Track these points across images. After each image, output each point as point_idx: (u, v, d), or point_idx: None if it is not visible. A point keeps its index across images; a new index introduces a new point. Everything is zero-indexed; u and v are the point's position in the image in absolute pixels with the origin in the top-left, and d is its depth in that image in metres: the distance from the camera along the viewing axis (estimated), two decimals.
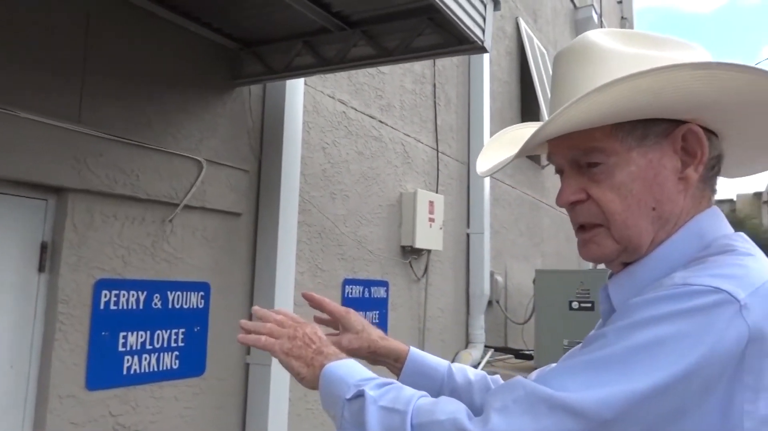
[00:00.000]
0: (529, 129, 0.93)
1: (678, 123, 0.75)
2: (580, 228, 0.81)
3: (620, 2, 14.06)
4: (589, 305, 4.81)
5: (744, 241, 0.76)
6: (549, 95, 0.84)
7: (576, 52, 0.79)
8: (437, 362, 1.06)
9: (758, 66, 0.68)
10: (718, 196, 0.83)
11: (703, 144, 0.75)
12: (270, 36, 2.77)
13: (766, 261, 0.72)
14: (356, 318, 1.05)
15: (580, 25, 9.28)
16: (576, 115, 0.71)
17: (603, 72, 0.74)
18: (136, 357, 2.40)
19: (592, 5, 9.65)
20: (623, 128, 0.75)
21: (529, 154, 0.94)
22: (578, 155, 0.79)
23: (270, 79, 2.92)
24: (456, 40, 2.34)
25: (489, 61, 5.61)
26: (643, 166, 0.75)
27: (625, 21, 14.15)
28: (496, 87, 6.08)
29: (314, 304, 1.06)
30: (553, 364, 0.76)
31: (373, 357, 1.03)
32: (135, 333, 2.41)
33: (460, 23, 2.09)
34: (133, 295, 2.40)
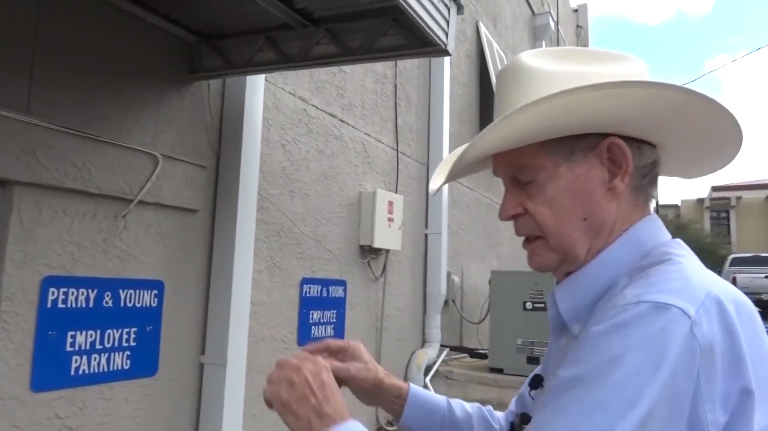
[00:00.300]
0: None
1: (604, 136, 0.78)
2: (525, 239, 0.85)
3: (576, 11, 14.44)
4: (543, 305, 4.92)
5: (680, 247, 0.80)
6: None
7: (507, 74, 0.83)
8: (437, 397, 1.08)
9: (666, 81, 0.71)
10: (663, 201, 0.86)
11: (627, 155, 0.78)
12: (231, 30, 2.72)
13: (700, 266, 0.76)
14: (364, 350, 1.03)
15: (537, 31, 9.48)
16: (494, 137, 0.76)
17: (529, 93, 0.77)
18: (84, 357, 2.32)
19: (549, 13, 9.88)
20: (551, 145, 0.79)
21: (472, 172, 0.98)
22: (513, 172, 0.83)
23: (230, 74, 2.87)
24: (419, 42, 2.36)
25: (450, 64, 5.67)
26: (571, 180, 0.78)
27: (580, 29, 14.54)
28: (456, 89, 6.14)
29: (319, 351, 0.99)
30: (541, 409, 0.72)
31: (376, 391, 1.01)
32: (84, 332, 2.32)
33: (423, 25, 2.10)
34: (82, 293, 2.32)
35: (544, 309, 4.92)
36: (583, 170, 0.79)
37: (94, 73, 2.36)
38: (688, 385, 0.63)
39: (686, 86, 0.71)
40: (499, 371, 5.02)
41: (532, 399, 0.91)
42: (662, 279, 0.70)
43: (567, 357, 0.71)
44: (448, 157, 1.00)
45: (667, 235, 0.82)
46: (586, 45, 14.96)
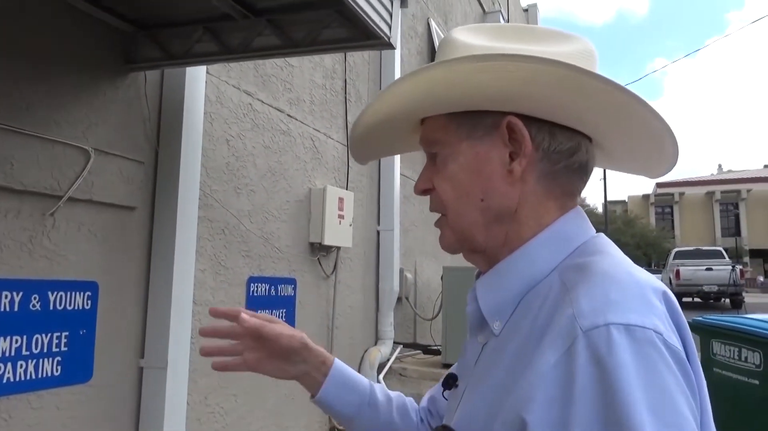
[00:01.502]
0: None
1: (507, 115, 0.75)
2: (437, 221, 0.84)
3: (526, 10, 14.69)
4: None
5: (605, 240, 0.78)
6: None
7: (439, 46, 0.83)
8: (359, 376, 1.05)
9: (544, 57, 0.69)
10: (611, 197, 0.84)
11: (524, 136, 0.74)
12: (168, 19, 2.60)
13: (626, 260, 0.74)
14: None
15: None
16: (376, 107, 0.79)
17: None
18: (9, 365, 2.18)
19: (500, 11, 10.00)
20: (456, 120, 0.78)
21: (409, 149, 0.96)
22: (425, 146, 0.83)
23: (168, 65, 2.76)
24: (363, 35, 2.31)
25: (400, 60, 5.65)
26: (471, 158, 0.77)
27: None
28: None
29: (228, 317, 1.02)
30: None
31: (304, 351, 1.02)
32: (8, 338, 2.18)
33: (366, 18, 2.06)
34: (6, 296, 2.17)
35: None
36: (484, 149, 0.77)
37: (18, 62, 2.22)
38: (695, 404, 0.62)
39: (564, 61, 0.69)
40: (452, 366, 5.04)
41: (446, 399, 0.88)
42: (608, 283, 0.66)
43: (532, 401, 0.62)
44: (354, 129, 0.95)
45: (593, 230, 0.79)
46: None
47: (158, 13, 2.58)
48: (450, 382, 0.85)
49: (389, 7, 2.17)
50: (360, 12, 2.01)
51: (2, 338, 2.16)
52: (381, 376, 4.98)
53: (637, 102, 0.70)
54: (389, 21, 2.17)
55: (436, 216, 0.83)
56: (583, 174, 0.79)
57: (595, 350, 0.60)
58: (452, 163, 0.78)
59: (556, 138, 0.76)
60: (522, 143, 0.74)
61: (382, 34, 2.15)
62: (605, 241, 0.77)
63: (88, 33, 2.51)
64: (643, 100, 0.70)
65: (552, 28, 0.82)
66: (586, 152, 0.78)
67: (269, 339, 0.98)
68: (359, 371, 4.90)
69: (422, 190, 0.84)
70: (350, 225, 4.46)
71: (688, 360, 0.64)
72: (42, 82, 2.30)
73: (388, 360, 5.16)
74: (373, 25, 2.10)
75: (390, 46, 2.24)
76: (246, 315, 0.97)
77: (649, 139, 0.76)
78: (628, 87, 0.69)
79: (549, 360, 0.63)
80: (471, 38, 0.78)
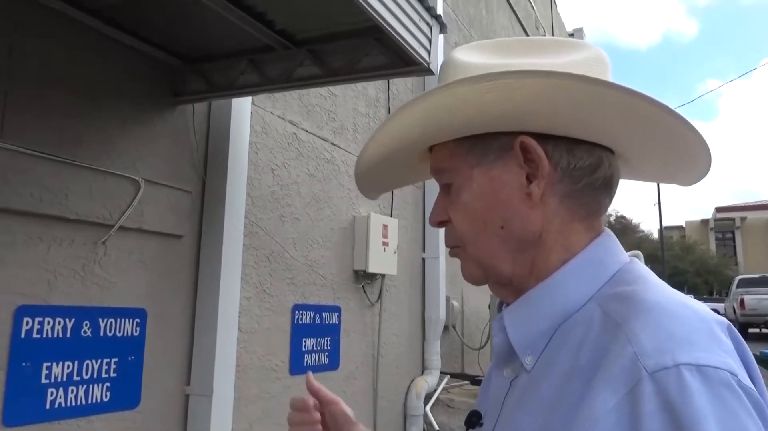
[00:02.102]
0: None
1: (517, 135, 0.70)
2: (451, 250, 0.79)
3: (572, 35, 14.57)
4: None
5: (644, 271, 0.71)
6: None
7: (440, 70, 0.78)
8: None
9: (549, 70, 0.65)
10: (668, 222, 0.77)
11: (539, 156, 0.69)
12: (213, 53, 2.69)
13: (671, 289, 0.68)
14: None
15: None
16: (378, 141, 0.77)
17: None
18: (61, 390, 2.24)
19: (544, 36, 9.95)
20: (464, 145, 0.74)
21: (417, 180, 0.93)
22: (435, 176, 0.79)
23: (214, 97, 2.84)
24: (402, 62, 2.32)
25: None
26: (485, 184, 0.72)
27: None
28: None
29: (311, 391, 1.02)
30: None
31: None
32: (61, 363, 2.24)
33: (404, 44, 2.07)
34: (59, 323, 2.24)
35: None
36: (498, 173, 0.71)
37: (72, 97, 2.33)
38: None
39: (568, 72, 0.64)
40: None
41: None
42: (667, 317, 0.60)
43: None
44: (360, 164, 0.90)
45: (626, 256, 0.73)
46: None
47: (203, 47, 2.67)
48: (473, 420, 0.77)
49: (428, 33, 2.17)
50: (398, 39, 2.02)
51: (55, 363, 2.22)
52: (428, 407, 4.86)
53: (655, 106, 0.64)
54: (428, 47, 2.18)
55: None
56: (608, 189, 0.73)
57: (666, 395, 0.54)
58: (465, 191, 0.73)
59: (575, 154, 0.71)
60: (539, 164, 0.69)
61: (422, 60, 2.15)
62: (642, 267, 0.71)
63: (138, 67, 2.62)
64: (662, 104, 0.64)
65: (560, 38, 0.78)
66: (609, 166, 0.73)
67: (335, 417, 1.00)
68: (405, 401, 4.80)
69: (437, 222, 0.78)
70: (395, 252, 4.43)
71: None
72: (94, 116, 2.41)
73: (435, 390, 5.04)
74: (412, 51, 2.10)
75: (429, 72, 2.24)
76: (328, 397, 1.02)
77: (674, 144, 0.70)
78: (644, 92, 0.63)
79: (606, 403, 0.57)
80: (473, 57, 0.74)
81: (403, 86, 5.09)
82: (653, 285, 0.65)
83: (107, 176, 2.42)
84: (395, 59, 2.32)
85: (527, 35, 9.40)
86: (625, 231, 35.91)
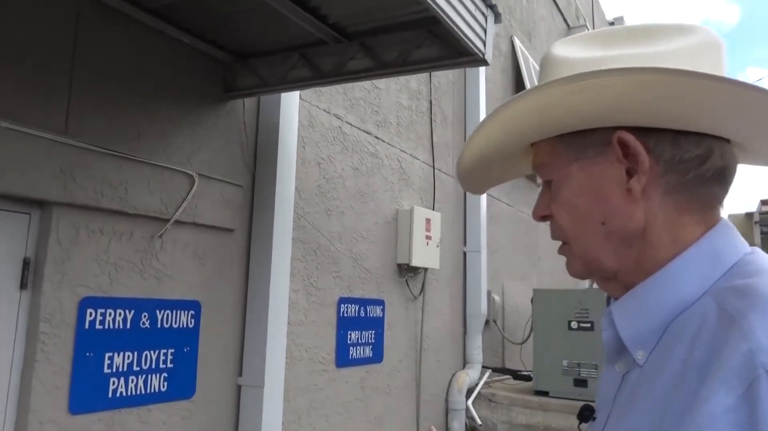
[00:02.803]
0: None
1: (615, 129, 0.69)
2: (561, 247, 0.79)
3: (612, 23, 14.23)
4: (589, 325, 4.73)
5: (765, 258, 0.68)
6: None
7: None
8: None
9: (641, 66, 0.63)
10: None
11: (638, 151, 0.67)
12: (264, 48, 2.71)
13: None
14: None
15: None
16: (475, 144, 0.78)
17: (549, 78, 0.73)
18: (122, 379, 2.30)
19: (585, 25, 9.73)
20: (563, 141, 0.73)
21: (517, 175, 0.92)
22: (537, 172, 0.79)
23: (264, 92, 2.86)
24: (456, 53, 2.29)
25: (485, 79, 5.60)
26: (584, 180, 0.71)
27: None
28: (492, 104, 6.05)
29: None
30: None
31: None
32: (121, 353, 2.30)
33: (461, 35, 2.04)
34: (119, 314, 2.30)
35: (590, 329, 4.72)
36: (597, 168, 0.70)
37: (130, 93, 2.38)
38: None
39: (656, 66, 0.62)
40: (545, 394, 4.82)
41: None
42: None
43: None
44: (464, 164, 0.90)
45: (746, 245, 0.70)
46: None
47: (255, 43, 2.69)
48: (586, 414, 0.77)
49: (483, 23, 2.14)
50: (455, 29, 1.99)
51: (116, 354, 2.28)
52: (470, 401, 4.84)
53: (758, 92, 0.61)
54: (483, 37, 2.14)
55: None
56: (722, 181, 0.70)
57: None
58: (565, 187, 0.73)
59: (681, 146, 0.68)
60: (638, 158, 0.67)
61: (477, 51, 2.12)
62: (764, 259, 0.68)
63: (191, 64, 2.66)
64: (756, 87, 0.60)
65: (671, 23, 0.74)
66: (722, 157, 0.69)
67: None
68: (447, 395, 4.79)
69: (540, 216, 0.79)
70: (437, 246, 4.41)
71: None
72: (149, 111, 2.45)
73: (477, 384, 5.01)
74: (467, 41, 2.08)
75: (485, 62, 2.21)
76: None
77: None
78: (746, 81, 0.61)
79: (722, 402, 0.55)
80: (572, 51, 0.73)
81: (444, 78, 5.04)
82: None
83: (163, 171, 2.46)
84: (449, 50, 2.29)
85: (568, 25, 9.22)
86: None
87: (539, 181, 0.80)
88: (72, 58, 2.17)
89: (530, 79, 6.66)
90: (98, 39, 2.27)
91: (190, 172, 2.58)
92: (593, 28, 10.42)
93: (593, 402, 0.80)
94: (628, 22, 14.87)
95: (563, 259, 0.79)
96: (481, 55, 2.15)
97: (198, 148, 2.66)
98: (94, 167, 2.19)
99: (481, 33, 2.14)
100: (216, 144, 2.76)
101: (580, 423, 0.78)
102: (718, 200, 0.71)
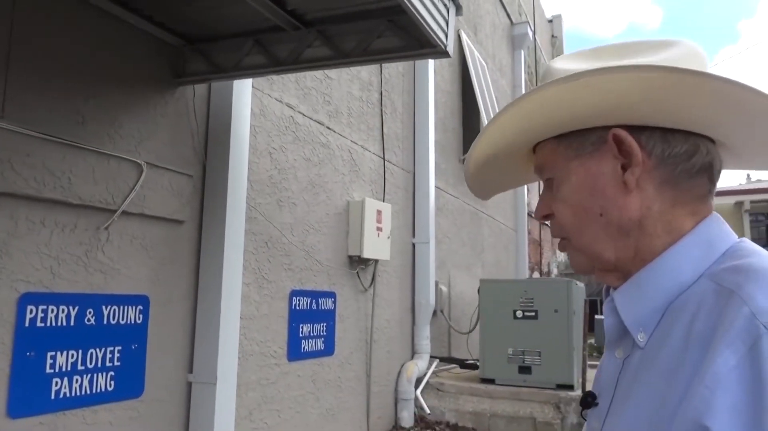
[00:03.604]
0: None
1: (610, 128, 0.74)
2: (560, 242, 0.83)
3: (551, 21, 14.65)
4: (533, 314, 4.87)
5: (755, 247, 0.73)
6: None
7: (541, 79, 0.82)
8: None
9: (634, 63, 0.68)
10: None
11: (632, 146, 0.72)
12: (217, 33, 2.61)
13: None
14: None
15: (516, 40, 9.55)
16: (482, 146, 0.81)
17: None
18: (66, 380, 2.17)
19: (527, 22, 9.97)
20: (562, 142, 0.78)
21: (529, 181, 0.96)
22: (539, 173, 0.83)
23: (216, 79, 2.76)
24: (417, 44, 2.28)
25: (434, 71, 5.63)
26: (583, 176, 0.76)
27: (555, 39, 14.74)
28: (439, 97, 6.10)
29: None
30: None
31: None
32: (65, 352, 2.17)
33: (425, 26, 2.03)
34: (63, 310, 2.17)
35: (534, 317, 4.87)
36: (594, 164, 0.75)
37: (74, 77, 2.23)
38: None
39: (654, 64, 0.67)
40: (491, 382, 4.94)
41: (584, 419, 0.82)
42: None
43: (710, 408, 0.59)
44: (471, 166, 0.93)
45: (735, 236, 0.75)
46: (561, 53, 15.16)
47: (207, 27, 2.58)
48: (589, 401, 0.79)
49: (446, 14, 2.14)
50: (420, 20, 1.98)
51: (59, 352, 2.15)
52: (419, 391, 4.89)
53: (747, 91, 0.65)
54: (446, 29, 2.14)
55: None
56: (708, 175, 0.75)
57: None
58: (565, 183, 0.78)
59: (670, 143, 0.73)
60: (632, 153, 0.73)
61: (439, 42, 2.11)
62: (753, 245, 0.73)
63: (138, 47, 2.53)
64: (754, 89, 0.65)
65: (654, 39, 0.79)
66: (707, 153, 0.75)
67: None
68: (396, 385, 4.83)
69: (543, 215, 0.82)
70: (388, 237, 4.42)
71: None
72: (95, 96, 2.31)
73: (425, 374, 5.07)
74: (431, 32, 2.07)
75: (446, 54, 2.21)
76: None
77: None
78: (736, 79, 0.65)
79: (728, 362, 0.59)
80: (571, 64, 0.78)
81: (395, 70, 5.04)
82: (765, 256, 0.68)
83: (110, 159, 2.33)
84: (409, 41, 2.28)
85: (511, 21, 9.40)
86: None
87: (529, 209, 0.84)
88: (9, 38, 2.01)
89: (476, 72, 6.76)
90: (37, 19, 2.11)
91: (138, 161, 2.45)
92: (534, 24, 10.68)
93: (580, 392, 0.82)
94: (565, 20, 15.34)
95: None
96: (443, 47, 2.15)
97: (146, 135, 2.53)
98: (35, 155, 2.04)
99: (444, 25, 2.14)
100: (165, 132, 2.64)
101: (584, 409, 0.80)
102: (708, 193, 0.76)
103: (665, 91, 0.67)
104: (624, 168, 0.73)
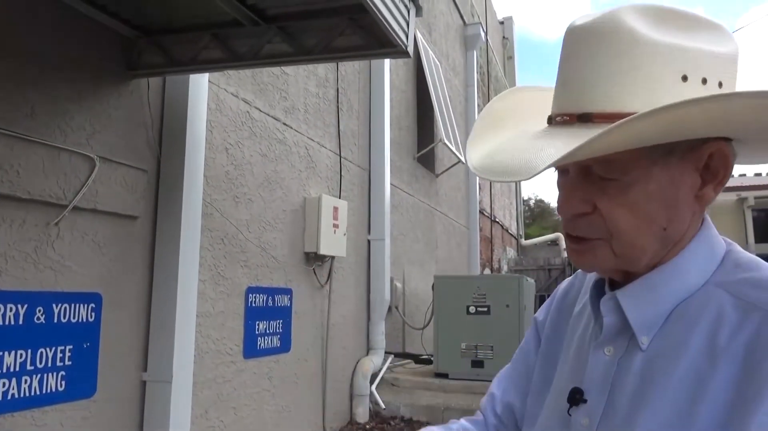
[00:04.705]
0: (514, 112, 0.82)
1: (705, 139, 0.68)
2: (577, 238, 0.73)
3: (502, 23, 14.96)
4: (485, 309, 4.99)
5: (752, 254, 0.74)
6: (563, 76, 0.72)
7: (599, 33, 0.68)
8: None
9: None
10: None
11: (729, 164, 0.69)
12: (174, 25, 2.56)
13: None
14: None
15: (469, 41, 9.71)
16: (614, 140, 0.63)
17: (631, 66, 0.66)
18: (14, 380, 2.09)
19: (480, 23, 10.15)
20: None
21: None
22: (592, 163, 0.69)
23: (172, 72, 2.71)
24: (377, 43, 2.31)
25: (389, 70, 5.67)
26: (664, 184, 0.68)
27: (506, 40, 15.05)
28: (395, 95, 6.16)
29: None
30: None
31: None
32: (13, 352, 2.10)
33: (386, 25, 2.06)
34: (10, 309, 2.09)
35: (487, 313, 4.99)
36: (677, 174, 0.68)
37: (22, 67, 2.15)
38: None
39: None
40: (444, 376, 5.03)
41: (570, 415, 0.76)
42: None
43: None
44: (514, 160, 0.76)
45: (720, 237, 0.76)
46: (511, 56, 15.50)
47: (163, 19, 2.53)
48: (577, 398, 0.75)
49: (406, 15, 2.17)
50: (381, 20, 2.01)
51: (7, 352, 2.07)
52: (374, 386, 4.94)
53: None
54: (406, 29, 2.18)
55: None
56: None
57: None
58: (638, 188, 0.68)
59: (734, 152, 0.71)
60: (723, 171, 0.69)
61: (400, 42, 2.15)
62: (743, 250, 0.75)
63: (91, 38, 2.45)
64: None
65: (700, 15, 0.71)
66: None
67: None
68: (352, 381, 4.85)
69: (578, 213, 0.71)
70: (344, 234, 4.43)
71: None
72: (45, 87, 2.24)
73: (380, 370, 5.12)
74: (391, 32, 2.10)
75: (406, 54, 2.25)
76: None
77: None
78: None
79: None
80: (646, 27, 0.67)
81: (351, 68, 5.05)
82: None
83: (61, 152, 2.26)
84: (370, 40, 2.30)
85: (464, 22, 9.55)
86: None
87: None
88: None
89: (430, 71, 6.84)
90: None
91: (90, 155, 2.39)
92: (486, 26, 10.89)
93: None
94: (516, 22, 15.66)
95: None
96: (403, 47, 2.18)
97: (98, 128, 2.47)
98: None
99: (404, 25, 2.17)
100: (118, 125, 2.57)
101: (571, 406, 0.76)
102: None
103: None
104: (702, 181, 0.69)
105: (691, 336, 0.67)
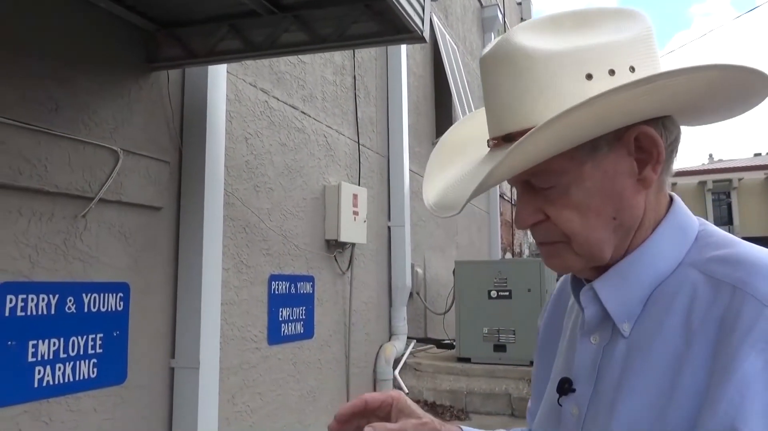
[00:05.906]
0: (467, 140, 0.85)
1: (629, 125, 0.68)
2: (542, 243, 0.76)
3: (520, 4, 14.73)
4: (507, 293, 4.99)
5: (725, 233, 0.74)
6: (486, 103, 0.75)
7: (499, 59, 0.70)
8: None
9: (705, 63, 0.62)
10: None
11: (658, 142, 0.68)
12: (191, 17, 2.59)
13: (758, 247, 0.70)
14: (409, 401, 0.83)
15: (486, 23, 9.60)
16: (521, 158, 0.65)
17: (531, 82, 0.68)
18: (48, 368, 2.17)
19: (497, 5, 10.02)
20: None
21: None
22: (528, 178, 0.72)
23: (191, 64, 2.74)
24: (393, 29, 2.31)
25: (406, 55, 5.64)
26: (599, 179, 0.69)
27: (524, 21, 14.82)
28: (412, 80, 6.13)
29: (358, 411, 0.79)
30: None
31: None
32: (47, 341, 2.17)
33: (402, 11, 2.05)
34: (43, 299, 2.16)
35: (508, 297, 4.99)
36: (610, 165, 0.69)
37: (45, 63, 2.20)
38: None
39: (717, 62, 0.62)
40: (467, 360, 5.06)
41: (560, 406, 0.77)
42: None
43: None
44: (433, 159, 0.86)
45: (693, 216, 0.75)
46: None
47: (181, 11, 2.56)
48: (566, 387, 0.76)
49: (422, 0, 2.16)
50: (397, 6, 2.01)
51: (41, 341, 2.14)
52: (396, 371, 4.99)
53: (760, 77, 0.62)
54: (422, 15, 2.17)
55: None
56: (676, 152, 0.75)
57: None
58: (576, 189, 0.69)
59: (669, 129, 0.71)
60: (655, 149, 0.69)
61: (416, 28, 2.15)
62: (715, 228, 0.75)
63: (110, 32, 2.49)
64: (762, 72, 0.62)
65: (608, 7, 0.72)
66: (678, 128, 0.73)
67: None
68: (375, 367, 4.91)
69: (531, 224, 0.74)
70: (364, 221, 4.46)
71: None
72: (68, 82, 2.28)
73: (403, 355, 5.16)
74: (407, 18, 2.09)
75: (423, 40, 2.24)
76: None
77: (743, 96, 0.69)
78: (754, 67, 0.62)
79: (755, 364, 0.59)
80: (538, 40, 0.69)
81: (367, 54, 5.04)
82: (748, 246, 0.69)
83: (86, 146, 2.31)
84: (386, 27, 2.30)
85: (481, 4, 9.42)
86: None
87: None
88: None
89: (447, 55, 6.79)
90: (6, 4, 2.07)
91: (114, 148, 2.44)
92: (504, 7, 10.73)
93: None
94: (534, 3, 15.40)
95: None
96: (419, 32, 2.18)
97: (121, 121, 2.51)
98: (9, 142, 2.02)
99: (420, 10, 2.17)
100: (140, 118, 2.62)
101: (560, 396, 0.77)
102: (672, 171, 0.75)
103: (717, 85, 0.64)
104: (639, 164, 0.69)
105: (667, 318, 0.68)
